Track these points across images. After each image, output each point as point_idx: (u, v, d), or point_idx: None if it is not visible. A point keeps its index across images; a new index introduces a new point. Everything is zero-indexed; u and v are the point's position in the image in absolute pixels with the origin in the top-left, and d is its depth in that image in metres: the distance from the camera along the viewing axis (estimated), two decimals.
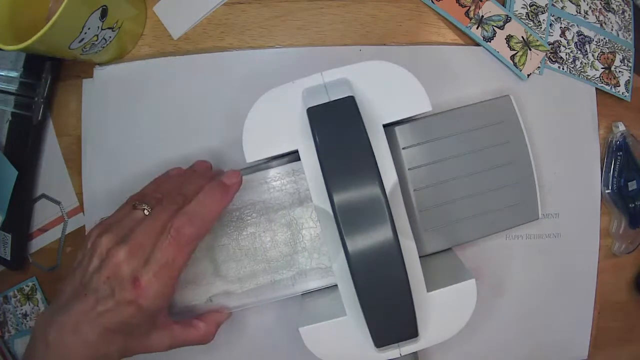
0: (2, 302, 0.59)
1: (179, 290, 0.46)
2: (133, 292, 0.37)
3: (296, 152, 0.42)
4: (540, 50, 0.53)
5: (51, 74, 0.54)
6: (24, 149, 0.54)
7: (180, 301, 0.46)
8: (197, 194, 0.40)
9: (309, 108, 0.39)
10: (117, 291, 0.37)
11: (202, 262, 0.46)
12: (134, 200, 0.42)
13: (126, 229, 0.39)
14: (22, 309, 0.58)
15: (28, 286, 0.57)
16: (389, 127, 0.45)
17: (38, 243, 0.57)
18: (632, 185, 0.54)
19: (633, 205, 0.55)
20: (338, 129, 0.38)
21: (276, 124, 0.42)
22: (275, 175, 0.46)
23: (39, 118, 0.54)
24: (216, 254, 0.46)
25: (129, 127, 0.54)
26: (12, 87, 0.54)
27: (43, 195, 0.56)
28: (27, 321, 0.58)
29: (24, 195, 0.55)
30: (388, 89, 0.42)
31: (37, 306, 0.57)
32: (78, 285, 0.38)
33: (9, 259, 0.56)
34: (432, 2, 0.53)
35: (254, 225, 0.46)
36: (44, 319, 0.38)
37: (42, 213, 0.56)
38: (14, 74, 0.54)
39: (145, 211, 0.40)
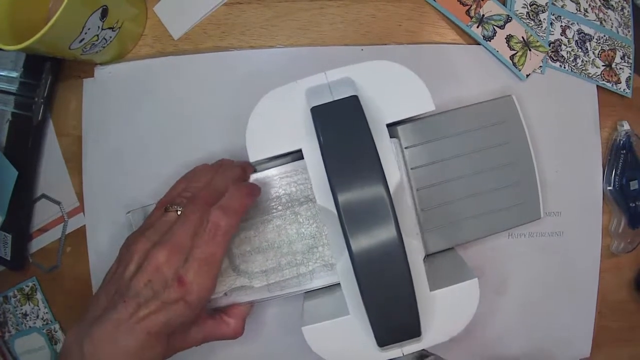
0: (2, 302, 0.59)
1: None
2: (180, 289, 0.36)
3: (300, 151, 0.42)
4: (540, 51, 0.53)
5: (51, 74, 0.53)
6: (24, 149, 0.54)
7: None
8: (227, 189, 0.41)
9: (313, 107, 0.39)
10: (161, 292, 0.36)
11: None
12: (164, 204, 0.42)
13: (161, 231, 0.39)
14: (22, 309, 0.58)
15: (28, 286, 0.57)
16: (391, 127, 0.45)
17: (38, 243, 0.57)
18: (634, 185, 0.54)
19: (634, 204, 0.55)
20: (342, 128, 0.38)
21: (279, 123, 0.42)
22: (299, 168, 0.46)
23: (39, 118, 0.54)
24: (239, 248, 0.46)
25: (129, 126, 0.54)
26: (12, 87, 0.53)
27: (43, 196, 0.56)
28: (27, 321, 0.58)
29: (24, 196, 0.55)
30: (391, 88, 0.42)
31: (37, 306, 0.57)
32: (114, 295, 0.37)
33: (9, 259, 0.56)
34: (434, 0, 0.53)
35: (280, 218, 0.46)
36: (77, 333, 0.37)
37: (42, 213, 0.56)
38: (14, 74, 0.53)
39: (178, 212, 0.40)
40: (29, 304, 0.58)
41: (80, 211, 0.55)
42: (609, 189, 0.55)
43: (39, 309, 0.57)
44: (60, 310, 0.57)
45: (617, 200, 0.55)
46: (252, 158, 0.42)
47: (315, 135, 0.39)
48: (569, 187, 0.54)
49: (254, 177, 0.46)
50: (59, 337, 0.57)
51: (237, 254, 0.46)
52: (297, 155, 0.44)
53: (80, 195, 0.55)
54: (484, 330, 0.54)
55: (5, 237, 0.55)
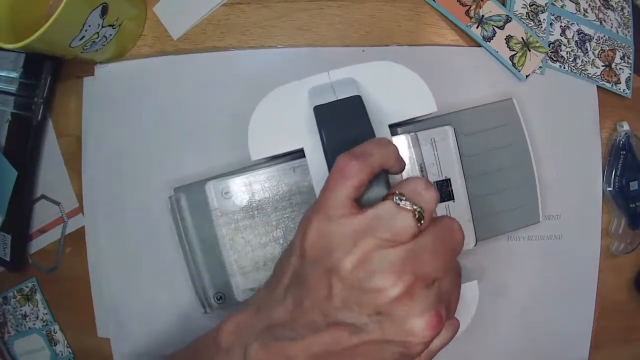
0: (2, 302, 0.58)
1: (252, 272, 0.46)
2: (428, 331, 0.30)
3: (301, 150, 0.42)
4: (540, 52, 0.53)
5: (51, 75, 0.53)
6: (24, 150, 0.54)
7: (248, 283, 0.46)
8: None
9: (315, 106, 0.39)
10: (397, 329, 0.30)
11: (272, 243, 0.46)
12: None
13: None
14: (21, 310, 0.58)
15: (28, 287, 0.57)
16: (392, 128, 0.45)
17: (38, 244, 0.57)
18: (634, 186, 0.54)
19: (634, 205, 0.55)
20: (345, 127, 0.38)
21: (282, 122, 0.42)
22: None
23: (39, 118, 0.54)
24: (288, 235, 0.46)
25: (130, 125, 0.54)
26: (12, 88, 0.53)
27: (43, 196, 0.56)
28: (26, 322, 0.58)
29: (24, 196, 0.55)
30: (394, 89, 0.42)
31: (37, 307, 0.57)
32: (317, 314, 0.31)
33: (8, 259, 0.56)
34: (433, 0, 0.53)
35: None
36: (242, 332, 0.34)
37: (42, 214, 0.56)
38: (13, 74, 0.53)
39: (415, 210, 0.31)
40: (29, 305, 0.57)
41: (79, 212, 0.55)
42: (609, 190, 0.55)
43: (39, 310, 0.57)
44: (59, 311, 0.57)
45: (617, 201, 0.55)
46: (254, 157, 0.42)
47: (317, 135, 0.39)
48: (568, 189, 0.54)
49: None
50: (58, 338, 0.57)
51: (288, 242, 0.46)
52: (300, 154, 0.44)
53: (79, 196, 0.55)
54: (483, 332, 0.54)
55: (5, 237, 0.55)
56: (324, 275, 0.31)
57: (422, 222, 0.31)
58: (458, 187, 0.46)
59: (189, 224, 0.47)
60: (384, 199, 0.32)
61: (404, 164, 0.36)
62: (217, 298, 0.48)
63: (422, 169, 0.46)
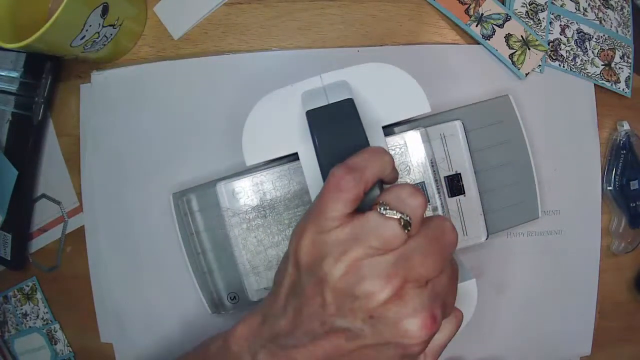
0: (2, 301, 0.59)
1: (265, 272, 0.46)
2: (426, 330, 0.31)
3: (297, 154, 0.42)
4: (540, 50, 0.53)
5: (51, 74, 0.54)
6: (24, 149, 0.54)
7: (261, 282, 0.46)
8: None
9: (308, 111, 0.39)
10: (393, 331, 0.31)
11: (285, 241, 0.46)
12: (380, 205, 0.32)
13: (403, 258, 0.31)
14: (22, 309, 0.58)
15: (28, 286, 0.57)
16: (388, 129, 0.45)
17: (38, 243, 0.57)
18: (634, 185, 0.54)
19: (634, 204, 0.55)
20: (337, 131, 0.38)
21: (275, 127, 0.42)
22: None
23: (39, 118, 0.54)
24: None
25: (127, 130, 0.54)
26: (13, 88, 0.54)
27: (43, 195, 0.56)
28: (27, 321, 0.58)
29: (24, 195, 0.55)
30: (387, 90, 0.42)
31: (37, 306, 0.57)
32: (315, 322, 0.32)
33: (9, 258, 0.56)
34: None
35: None
36: (252, 340, 0.35)
37: (42, 213, 0.57)
38: (14, 74, 0.54)
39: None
40: (29, 304, 0.58)
41: (80, 211, 0.56)
42: (610, 189, 0.55)
43: (39, 309, 0.57)
44: (60, 310, 0.57)
45: (617, 200, 0.55)
46: (249, 162, 0.42)
47: (310, 139, 0.39)
48: (567, 186, 0.54)
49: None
50: (59, 337, 0.57)
51: None
52: (295, 158, 0.44)
53: (80, 195, 0.55)
54: (483, 330, 0.54)
55: (5, 236, 0.55)
56: (317, 285, 0.31)
57: (410, 229, 0.31)
58: (469, 181, 0.47)
59: (200, 225, 0.48)
60: (371, 208, 0.32)
61: (397, 174, 0.37)
62: (230, 298, 0.48)
63: (433, 164, 0.46)
